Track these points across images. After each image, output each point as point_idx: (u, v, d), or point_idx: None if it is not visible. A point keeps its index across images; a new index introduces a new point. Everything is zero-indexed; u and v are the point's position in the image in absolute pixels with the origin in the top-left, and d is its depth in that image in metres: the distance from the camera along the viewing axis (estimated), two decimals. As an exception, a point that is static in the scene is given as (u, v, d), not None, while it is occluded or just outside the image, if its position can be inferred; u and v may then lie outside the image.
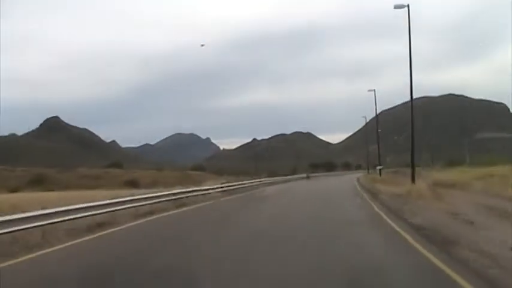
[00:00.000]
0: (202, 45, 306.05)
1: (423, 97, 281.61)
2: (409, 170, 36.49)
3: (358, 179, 62.69)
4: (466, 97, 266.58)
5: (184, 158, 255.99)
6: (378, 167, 69.77)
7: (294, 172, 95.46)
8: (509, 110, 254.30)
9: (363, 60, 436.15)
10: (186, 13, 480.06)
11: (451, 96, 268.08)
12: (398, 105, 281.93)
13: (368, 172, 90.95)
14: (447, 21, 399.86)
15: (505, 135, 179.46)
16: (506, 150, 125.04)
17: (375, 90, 75.83)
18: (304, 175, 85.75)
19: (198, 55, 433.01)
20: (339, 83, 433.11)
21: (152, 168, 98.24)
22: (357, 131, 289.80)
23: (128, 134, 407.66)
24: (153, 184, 58.34)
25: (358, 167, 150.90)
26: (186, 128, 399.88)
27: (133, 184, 60.48)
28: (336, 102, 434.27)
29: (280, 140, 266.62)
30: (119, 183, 61.86)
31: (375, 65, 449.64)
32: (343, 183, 57.45)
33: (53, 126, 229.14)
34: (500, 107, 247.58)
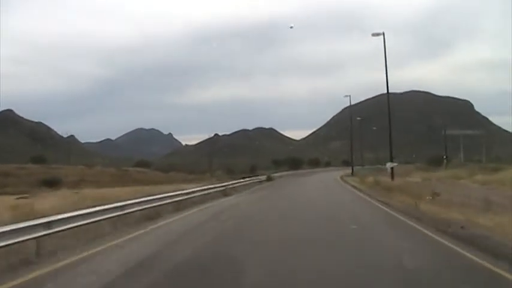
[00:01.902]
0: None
1: (387, 93, 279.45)
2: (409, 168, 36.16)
3: (366, 193, 34.71)
4: (431, 94, 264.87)
5: (145, 153, 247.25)
6: (390, 165, 42.62)
7: (253, 170, 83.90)
8: (473, 106, 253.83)
9: (326, 57, 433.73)
10: (149, 6, 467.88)
11: (415, 93, 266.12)
12: (362, 101, 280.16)
13: (352, 173, 74.24)
14: (411, 19, 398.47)
15: (472, 132, 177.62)
16: (474, 148, 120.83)
17: (350, 96, 78.06)
18: (264, 177, 60.66)
19: (162, 49, 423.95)
20: (302, 79, 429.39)
21: (85, 164, 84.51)
22: (321, 127, 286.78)
23: (88, 129, 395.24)
24: (75, 185, 48.44)
25: (328, 164, 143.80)
26: (148, 123, 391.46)
27: (51, 184, 48.60)
28: (299, 98, 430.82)
29: (242, 135, 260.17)
30: (31, 183, 50.67)
31: (338, 61, 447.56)
32: (351, 205, 27.12)
33: (5, 120, 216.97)
34: (465, 103, 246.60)
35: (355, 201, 29.05)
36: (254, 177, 56.95)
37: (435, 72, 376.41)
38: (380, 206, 24.50)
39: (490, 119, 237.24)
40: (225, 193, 34.58)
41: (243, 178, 51.99)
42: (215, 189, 33.27)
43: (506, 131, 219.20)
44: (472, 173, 49.83)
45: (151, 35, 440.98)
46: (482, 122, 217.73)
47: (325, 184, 52.60)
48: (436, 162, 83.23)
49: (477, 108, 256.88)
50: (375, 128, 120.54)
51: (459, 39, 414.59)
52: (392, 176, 40.76)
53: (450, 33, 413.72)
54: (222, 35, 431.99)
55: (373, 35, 42.60)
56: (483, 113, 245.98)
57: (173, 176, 69.82)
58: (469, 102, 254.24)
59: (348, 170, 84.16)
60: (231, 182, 42.04)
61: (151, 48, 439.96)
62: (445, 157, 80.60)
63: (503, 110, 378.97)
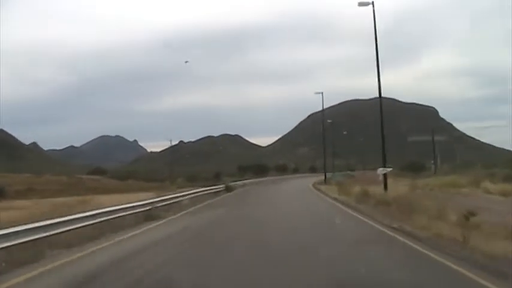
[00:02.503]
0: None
1: (353, 100, 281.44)
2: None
3: (361, 211, 25.19)
4: (397, 100, 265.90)
5: (110, 160, 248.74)
6: (382, 170, 32.61)
7: (217, 177, 79.56)
8: (438, 113, 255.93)
9: (292, 64, 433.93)
10: (114, 13, 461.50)
11: (380, 99, 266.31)
12: (328, 107, 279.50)
13: (325, 181, 66.93)
14: (378, 27, 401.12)
15: (437, 138, 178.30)
16: (433, 153, 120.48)
17: (322, 93, 69.07)
18: (222, 186, 50.01)
19: (127, 56, 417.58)
20: (268, 86, 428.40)
21: (32, 172, 78.57)
22: (287, 133, 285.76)
23: (51, 136, 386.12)
24: (19, 195, 44.50)
25: (295, 171, 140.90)
26: (112, 130, 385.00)
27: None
28: (265, 105, 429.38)
29: (208, 142, 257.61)
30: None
31: (304, 68, 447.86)
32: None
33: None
34: (430, 110, 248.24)
35: (363, 234, 16.82)
36: (211, 187, 44.74)
37: (401, 79, 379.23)
38: (407, 243, 13.84)
39: (454, 125, 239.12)
40: (150, 215, 21.76)
41: (203, 186, 44.55)
42: (134, 210, 20.99)
43: (470, 137, 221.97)
44: (476, 180, 41.98)
45: (116, 42, 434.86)
46: (447, 128, 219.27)
47: (300, 196, 42.62)
48: (411, 168, 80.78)
49: (442, 114, 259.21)
50: (345, 133, 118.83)
51: (424, 47, 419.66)
52: (385, 184, 30.09)
53: (416, 41, 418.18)
54: (188, 42, 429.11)
55: (360, 4, 32.91)
56: (447, 119, 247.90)
57: (130, 184, 66.48)
58: (433, 108, 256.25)
59: (318, 177, 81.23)
60: (171, 195, 30.78)
61: (116, 54, 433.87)
62: (433, 162, 78.61)
63: (467, 117, 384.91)
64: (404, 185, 39.28)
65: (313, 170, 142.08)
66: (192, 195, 34.76)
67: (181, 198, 30.85)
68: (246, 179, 74.90)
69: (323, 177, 72.80)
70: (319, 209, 28.94)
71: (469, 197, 29.57)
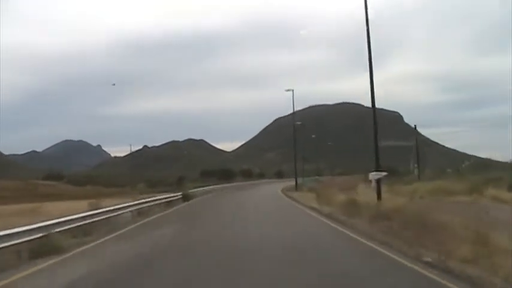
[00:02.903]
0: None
1: (319, 105, 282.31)
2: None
3: (363, 232, 17.74)
4: (361, 105, 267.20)
5: (73, 165, 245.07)
6: (375, 175, 25.54)
7: (180, 182, 76.04)
8: (402, 118, 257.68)
9: (257, 69, 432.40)
10: (81, 15, 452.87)
11: (346, 104, 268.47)
12: (291, 113, 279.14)
13: (296, 187, 63.04)
14: (343, 32, 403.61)
15: (403, 143, 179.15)
16: (405, 158, 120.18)
17: (293, 90, 67.16)
18: (179, 194, 42.57)
19: (91, 60, 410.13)
20: (234, 91, 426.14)
21: None
22: (252, 138, 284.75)
23: (12, 140, 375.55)
24: None
25: (261, 176, 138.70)
26: (76, 134, 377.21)
27: None
28: (231, 110, 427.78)
29: (172, 147, 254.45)
30: None
31: (269, 73, 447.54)
32: None
33: None
34: (395, 115, 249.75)
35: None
36: (165, 196, 38.29)
37: (366, 84, 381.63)
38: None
39: (419, 130, 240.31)
40: (47, 245, 13.77)
41: (164, 193, 40.41)
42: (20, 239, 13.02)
43: (434, 142, 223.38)
44: (473, 187, 37.26)
45: (80, 45, 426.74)
46: (412, 133, 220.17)
47: (273, 207, 35.41)
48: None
49: (406, 119, 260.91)
50: (314, 136, 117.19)
51: (389, 52, 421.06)
52: (379, 192, 24.85)
53: (381, 46, 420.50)
54: (154, 46, 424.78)
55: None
56: (412, 125, 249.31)
57: (87, 190, 63.23)
58: (398, 113, 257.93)
59: (286, 183, 78.94)
60: (108, 208, 22.89)
61: (80, 58, 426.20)
62: (416, 166, 75.05)
63: (431, 122, 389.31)
64: (386, 192, 34.22)
65: (279, 175, 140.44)
66: (141, 206, 28.48)
67: (122, 211, 24.20)
68: (210, 185, 68.47)
69: (292, 183, 69.81)
70: (305, 228, 20.36)
71: (481, 206, 23.69)
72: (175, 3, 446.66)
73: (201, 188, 57.80)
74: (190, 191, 48.88)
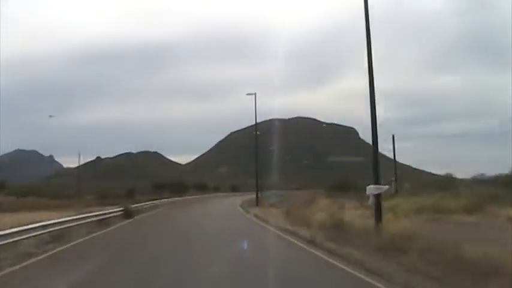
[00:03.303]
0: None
1: (273, 119, 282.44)
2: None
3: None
4: (317, 120, 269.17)
5: (25, 175, 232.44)
6: (373, 189, 19.67)
7: (130, 194, 73.37)
8: (358, 134, 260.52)
9: (213, 82, 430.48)
10: (30, 23, 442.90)
11: (301, 119, 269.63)
12: (248, 127, 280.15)
13: (257, 202, 56.92)
14: (299, 47, 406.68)
15: (354, 158, 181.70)
16: (358, 173, 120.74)
17: (255, 94, 60.40)
18: (120, 210, 36.25)
19: (44, 68, 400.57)
20: (189, 103, 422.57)
21: None
22: (207, 152, 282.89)
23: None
24: None
25: (216, 189, 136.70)
26: (28, 144, 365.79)
27: None
28: (185, 123, 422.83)
29: (126, 158, 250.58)
30: None
31: (225, 87, 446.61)
32: None
33: None
34: (350, 131, 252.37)
35: None
36: (100, 212, 31.63)
37: (321, 99, 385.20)
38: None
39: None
40: None
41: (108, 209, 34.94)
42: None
43: (389, 158, 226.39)
44: (473, 205, 32.53)
45: (34, 53, 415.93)
46: (367, 148, 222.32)
47: (234, 227, 29.85)
48: (341, 188, 75.07)
49: (362, 135, 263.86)
50: (271, 148, 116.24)
51: (344, 68, 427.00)
52: (379, 211, 18.87)
53: (336, 62, 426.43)
54: (108, 57, 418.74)
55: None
56: (367, 140, 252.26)
57: (27, 202, 59.26)
58: (353, 129, 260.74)
59: (243, 197, 77.16)
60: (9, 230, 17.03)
61: (32, 67, 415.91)
62: (393, 179, 71.33)
63: (386, 138, 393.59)
64: (356, 209, 32.72)
65: (234, 189, 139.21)
66: (62, 226, 21.78)
67: (26, 235, 17.45)
68: (161, 199, 63.70)
69: (249, 197, 67.32)
70: (292, 268, 13.87)
71: (502, 228, 20.93)
72: (129, 13, 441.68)
73: (151, 202, 52.99)
74: (138, 205, 44.25)
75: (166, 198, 68.44)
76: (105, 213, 31.24)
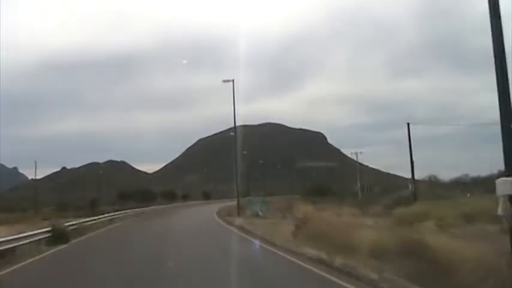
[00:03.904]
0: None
1: (242, 125, 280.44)
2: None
3: None
4: (284, 126, 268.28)
5: None
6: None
7: (93, 205, 69.41)
8: (326, 139, 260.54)
9: (179, 91, 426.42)
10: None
11: (269, 125, 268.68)
12: (215, 133, 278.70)
13: (238, 211, 47.78)
14: (264, 53, 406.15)
15: (324, 163, 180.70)
16: (325, 178, 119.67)
17: (233, 81, 51.37)
18: (47, 231, 24.22)
19: (7, 78, 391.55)
20: (155, 112, 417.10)
21: None
22: (175, 160, 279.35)
23: None
24: None
25: (186, 197, 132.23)
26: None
27: None
28: (152, 132, 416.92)
29: (92, 169, 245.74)
30: None
31: (191, 95, 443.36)
32: None
33: None
34: (318, 136, 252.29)
35: None
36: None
37: (288, 105, 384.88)
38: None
39: (342, 150, 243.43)
40: None
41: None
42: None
43: (358, 163, 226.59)
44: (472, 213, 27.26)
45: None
46: (335, 153, 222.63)
47: (226, 264, 16.10)
48: (318, 193, 74.17)
49: (330, 140, 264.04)
50: (245, 152, 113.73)
51: (311, 74, 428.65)
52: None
53: (303, 68, 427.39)
54: (72, 66, 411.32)
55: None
56: (335, 145, 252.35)
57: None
58: (321, 134, 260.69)
59: (218, 204, 73.60)
60: None
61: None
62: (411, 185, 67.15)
63: (355, 143, 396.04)
64: (359, 216, 30.17)
65: (206, 196, 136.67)
66: None
67: None
68: (126, 209, 56.93)
69: (224, 205, 64.10)
70: None
71: None
72: (95, 22, 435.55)
73: (109, 215, 44.64)
74: (88, 219, 35.49)
75: (130, 209, 59.59)
76: (16, 239, 20.05)
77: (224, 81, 51.98)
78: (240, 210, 48.54)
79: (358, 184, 79.33)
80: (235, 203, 66.13)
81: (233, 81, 51.53)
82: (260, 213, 44.56)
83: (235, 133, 57.72)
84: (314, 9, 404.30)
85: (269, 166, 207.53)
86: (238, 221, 36.69)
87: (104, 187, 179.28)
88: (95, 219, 37.44)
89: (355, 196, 69.88)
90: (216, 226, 37.07)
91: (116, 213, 48.16)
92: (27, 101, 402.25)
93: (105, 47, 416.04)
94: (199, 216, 53.30)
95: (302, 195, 66.01)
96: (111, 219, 43.47)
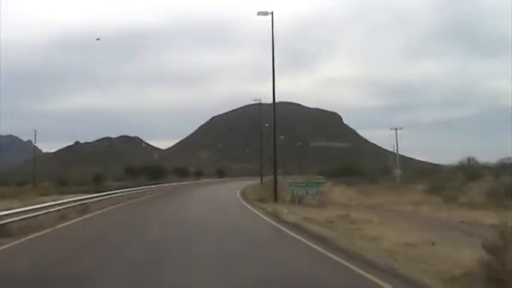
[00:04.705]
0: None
1: (257, 103, 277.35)
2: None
3: None
4: (300, 105, 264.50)
5: (2, 160, 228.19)
6: None
7: (98, 181, 66.28)
8: (342, 119, 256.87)
9: (193, 67, 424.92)
10: (9, 10, 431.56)
11: (284, 104, 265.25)
12: (229, 111, 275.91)
13: (276, 194, 35.63)
14: (279, 33, 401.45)
15: (338, 144, 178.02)
16: (341, 158, 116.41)
17: (272, 13, 37.34)
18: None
19: (20, 53, 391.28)
20: (170, 88, 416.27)
21: None
22: (188, 136, 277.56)
23: None
24: None
25: (199, 174, 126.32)
26: (4, 129, 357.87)
27: None
28: (166, 108, 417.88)
29: (105, 144, 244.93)
30: None
31: (204, 72, 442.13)
32: None
33: None
34: (334, 116, 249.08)
35: None
36: None
37: (305, 85, 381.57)
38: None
39: (358, 131, 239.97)
40: None
41: None
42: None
43: (374, 144, 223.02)
44: None
45: (12, 38, 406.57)
46: (350, 134, 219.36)
47: None
48: (341, 174, 64.19)
49: (345, 121, 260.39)
50: (267, 125, 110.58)
51: (326, 55, 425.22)
52: None
53: (316, 50, 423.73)
54: (85, 42, 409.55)
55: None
56: (351, 126, 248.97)
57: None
58: (337, 114, 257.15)
59: (237, 183, 68.46)
60: None
61: (7, 51, 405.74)
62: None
63: (370, 124, 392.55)
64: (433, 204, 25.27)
65: (220, 174, 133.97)
66: None
67: None
68: (133, 187, 48.57)
69: (247, 184, 57.21)
70: None
71: None
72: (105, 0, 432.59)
73: (112, 193, 36.56)
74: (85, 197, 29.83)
75: (136, 187, 50.43)
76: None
77: (259, 13, 37.55)
78: (280, 194, 36.04)
79: (398, 164, 73.21)
80: (256, 181, 61.22)
81: (272, 13, 37.83)
82: (317, 198, 32.41)
83: (274, 111, 40.14)
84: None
85: (283, 145, 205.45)
86: (283, 211, 25.12)
87: (115, 162, 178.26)
88: (98, 197, 31.39)
89: (386, 177, 62.82)
90: (250, 221, 24.09)
91: (119, 191, 39.02)
92: (43, 76, 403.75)
93: (122, 24, 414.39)
94: (218, 200, 41.95)
95: (323, 175, 58.59)
96: (112, 201, 34.22)
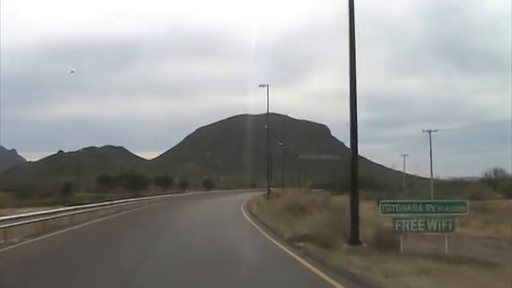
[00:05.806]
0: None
1: (244, 115, 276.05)
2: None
3: None
4: (288, 117, 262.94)
5: None
6: None
7: (66, 192, 60.63)
8: (330, 131, 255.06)
9: (180, 79, 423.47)
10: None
11: (272, 116, 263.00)
12: (215, 122, 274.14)
13: (357, 230, 15.70)
14: (267, 46, 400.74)
15: (327, 156, 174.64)
16: (328, 171, 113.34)
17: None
18: None
19: (7, 61, 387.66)
20: (156, 99, 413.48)
21: None
22: (173, 147, 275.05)
23: None
24: None
25: (184, 186, 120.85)
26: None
27: None
28: (152, 119, 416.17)
29: (89, 153, 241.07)
30: None
31: (192, 83, 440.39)
32: None
33: None
34: (322, 128, 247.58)
35: None
36: None
37: (293, 97, 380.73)
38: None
39: (346, 144, 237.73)
40: None
41: None
42: None
43: (362, 157, 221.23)
44: None
45: (5, 46, 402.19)
46: (338, 147, 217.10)
47: None
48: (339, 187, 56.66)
49: (334, 133, 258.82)
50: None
51: (313, 68, 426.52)
52: None
53: (307, 61, 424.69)
54: (74, 51, 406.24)
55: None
56: (339, 139, 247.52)
57: None
58: (325, 126, 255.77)
59: (231, 197, 62.48)
60: None
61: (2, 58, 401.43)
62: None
63: (359, 137, 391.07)
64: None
65: (208, 185, 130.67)
66: None
67: None
68: (101, 202, 37.86)
69: (247, 198, 48.62)
70: None
71: None
72: (95, 9, 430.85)
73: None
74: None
75: (111, 200, 39.95)
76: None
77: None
78: (297, 218, 22.69)
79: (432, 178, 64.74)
80: (257, 194, 51.73)
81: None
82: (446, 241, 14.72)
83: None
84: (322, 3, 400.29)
85: (272, 157, 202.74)
86: None
87: (99, 172, 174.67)
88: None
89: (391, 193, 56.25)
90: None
91: (76, 209, 28.62)
92: (30, 85, 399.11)
93: (109, 34, 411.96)
94: (223, 236, 21.03)
95: (318, 187, 53.16)
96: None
